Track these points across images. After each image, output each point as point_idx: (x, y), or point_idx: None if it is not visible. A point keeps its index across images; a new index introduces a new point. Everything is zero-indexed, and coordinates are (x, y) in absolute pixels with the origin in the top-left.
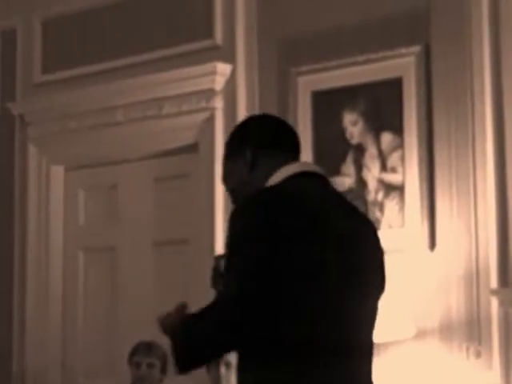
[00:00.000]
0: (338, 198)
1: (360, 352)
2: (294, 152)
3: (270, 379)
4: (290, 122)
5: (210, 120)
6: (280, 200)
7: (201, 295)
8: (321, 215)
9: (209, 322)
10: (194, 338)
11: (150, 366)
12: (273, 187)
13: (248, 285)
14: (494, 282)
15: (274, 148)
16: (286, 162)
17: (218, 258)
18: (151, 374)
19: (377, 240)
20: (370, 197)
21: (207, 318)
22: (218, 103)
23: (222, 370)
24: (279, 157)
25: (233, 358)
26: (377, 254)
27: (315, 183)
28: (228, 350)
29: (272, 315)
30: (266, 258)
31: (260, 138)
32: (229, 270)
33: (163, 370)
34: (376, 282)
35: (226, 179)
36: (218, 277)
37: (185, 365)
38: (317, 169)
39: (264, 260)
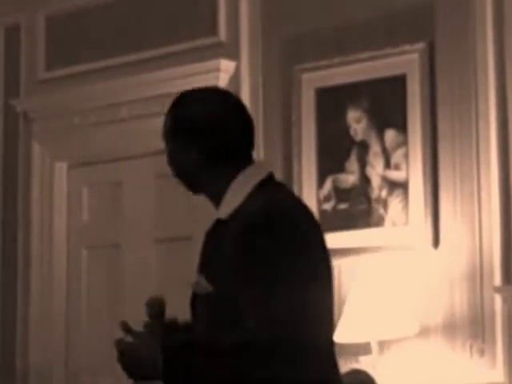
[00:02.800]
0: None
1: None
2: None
3: (273, 381)
4: (294, 119)
5: None
6: (293, 215)
7: None
8: (310, 225)
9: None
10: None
11: None
12: (276, 202)
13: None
14: (497, 280)
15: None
16: (244, 165)
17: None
18: None
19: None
20: (374, 194)
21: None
22: None
23: None
24: (236, 160)
25: None
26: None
27: (282, 189)
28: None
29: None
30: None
31: (209, 139)
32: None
33: None
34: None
35: (172, 161)
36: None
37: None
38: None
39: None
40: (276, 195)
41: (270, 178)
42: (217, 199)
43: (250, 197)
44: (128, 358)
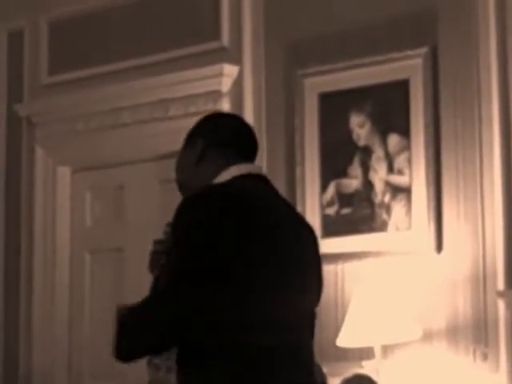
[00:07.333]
0: (281, 201)
1: (295, 353)
2: (246, 152)
3: (204, 380)
4: (297, 123)
5: None
6: (228, 199)
7: None
8: (263, 217)
9: (144, 313)
10: (129, 327)
11: (169, 369)
12: (222, 185)
13: (182, 283)
14: (500, 284)
15: (224, 146)
16: (234, 162)
17: (157, 242)
18: (168, 378)
19: (316, 246)
20: (377, 199)
21: (143, 309)
22: (225, 105)
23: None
24: (228, 156)
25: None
26: (314, 259)
27: (261, 186)
28: (159, 345)
29: (207, 315)
30: (205, 258)
31: (212, 134)
32: (168, 263)
33: None
34: (313, 287)
35: (176, 170)
36: (155, 261)
37: (119, 353)
38: (262, 171)
39: (202, 259)
40: (232, 183)
41: (253, 175)
42: None
43: None
44: None
